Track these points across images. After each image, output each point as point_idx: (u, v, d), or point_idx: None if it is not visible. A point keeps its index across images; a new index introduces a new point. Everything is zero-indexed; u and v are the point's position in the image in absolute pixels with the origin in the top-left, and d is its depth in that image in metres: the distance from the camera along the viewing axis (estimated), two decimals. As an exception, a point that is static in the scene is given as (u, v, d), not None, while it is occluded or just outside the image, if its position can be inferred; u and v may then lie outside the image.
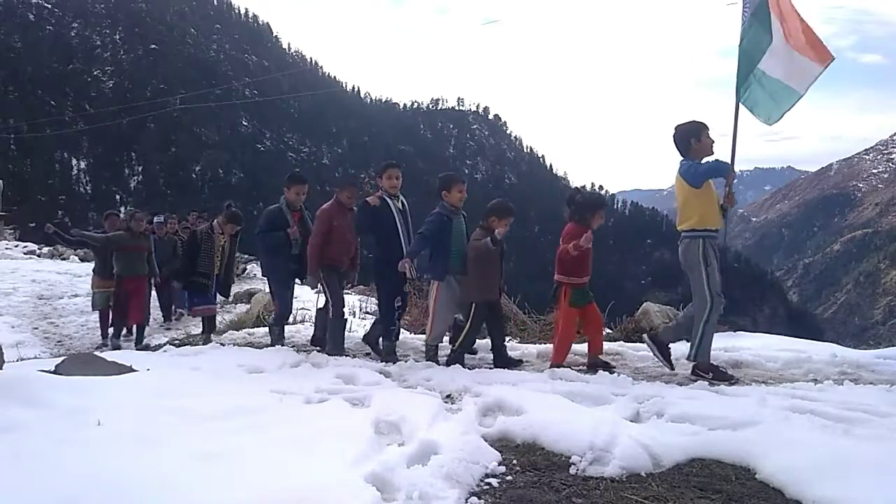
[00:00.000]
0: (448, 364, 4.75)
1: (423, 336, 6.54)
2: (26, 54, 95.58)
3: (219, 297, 7.04)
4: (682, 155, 4.43)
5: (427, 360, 4.99)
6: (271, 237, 5.69)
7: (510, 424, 2.99)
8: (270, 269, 6.02)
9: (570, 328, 4.79)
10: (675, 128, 4.50)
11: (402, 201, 5.23)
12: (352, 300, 6.78)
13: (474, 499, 2.26)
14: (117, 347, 6.92)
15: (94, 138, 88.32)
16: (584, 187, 5.05)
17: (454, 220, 4.94)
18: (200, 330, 6.93)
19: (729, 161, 4.43)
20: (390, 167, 5.22)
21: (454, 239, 4.91)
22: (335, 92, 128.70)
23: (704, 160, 4.35)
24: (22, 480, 2.09)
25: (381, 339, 5.28)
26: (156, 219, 8.95)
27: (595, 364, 4.73)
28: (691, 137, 4.38)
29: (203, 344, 6.17)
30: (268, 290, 6.87)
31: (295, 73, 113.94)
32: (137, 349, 6.75)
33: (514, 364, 4.86)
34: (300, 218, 5.85)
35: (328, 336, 5.42)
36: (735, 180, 4.52)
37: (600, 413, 3.17)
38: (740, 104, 4.50)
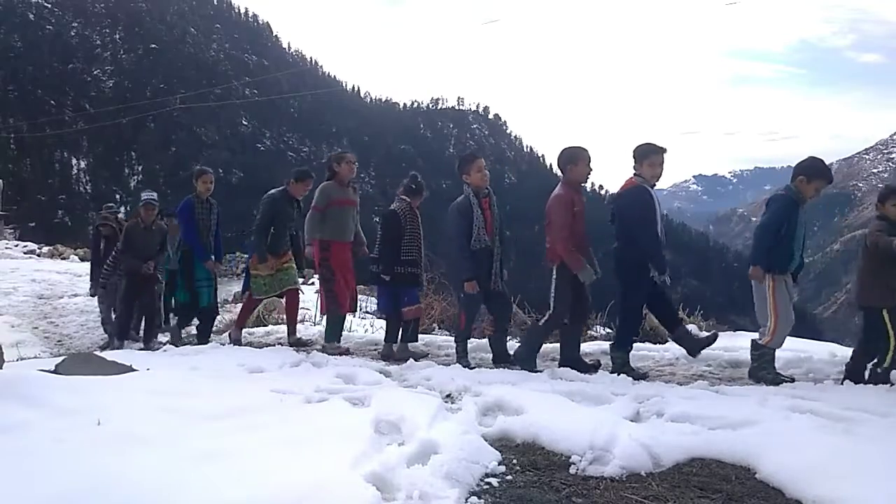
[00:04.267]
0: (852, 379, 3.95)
1: (424, 336, 6.52)
2: (26, 54, 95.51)
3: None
4: None
5: (770, 375, 4.16)
6: (465, 239, 4.61)
7: (510, 424, 2.99)
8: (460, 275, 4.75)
9: None
10: None
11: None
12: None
13: (474, 498, 2.25)
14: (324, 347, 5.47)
15: (94, 138, 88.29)
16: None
17: (800, 209, 4.21)
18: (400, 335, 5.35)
19: None
20: (655, 152, 4.42)
21: (799, 230, 4.21)
22: (335, 92, 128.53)
23: None
24: (22, 480, 2.09)
25: (614, 348, 4.54)
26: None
27: None
28: None
29: (403, 359, 4.93)
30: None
31: (295, 72, 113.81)
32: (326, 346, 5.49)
33: None
34: (490, 205, 4.80)
35: (525, 339, 4.69)
36: None
37: (600, 413, 3.17)
38: None
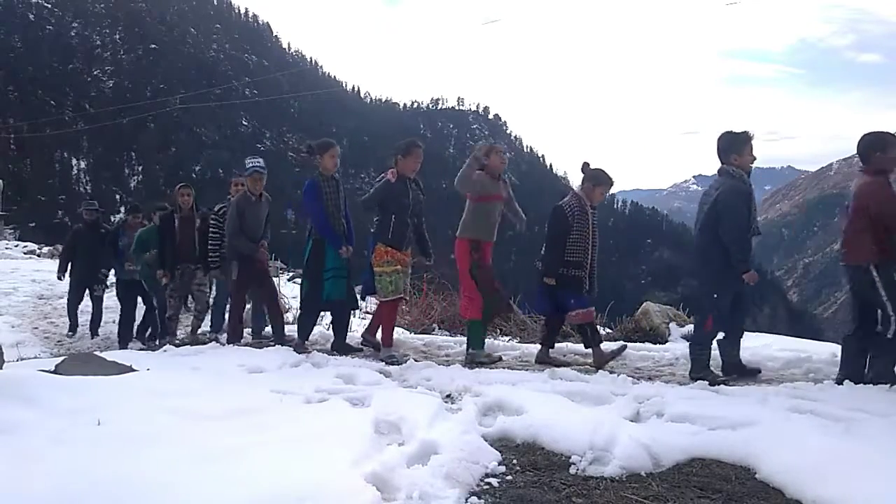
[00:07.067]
0: None
1: (424, 336, 6.52)
2: (26, 54, 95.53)
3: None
4: None
5: None
6: (747, 227, 4.09)
7: (510, 424, 2.99)
8: (726, 269, 4.15)
9: None
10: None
11: None
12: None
13: (474, 498, 2.26)
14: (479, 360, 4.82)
15: (94, 138, 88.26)
16: None
17: None
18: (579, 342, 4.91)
19: None
20: None
21: None
22: (335, 92, 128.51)
23: None
24: (22, 480, 2.09)
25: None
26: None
27: None
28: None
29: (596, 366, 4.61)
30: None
31: (295, 73, 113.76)
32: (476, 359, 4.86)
33: None
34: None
35: (882, 359, 3.89)
36: None
37: (600, 413, 3.17)
38: None
